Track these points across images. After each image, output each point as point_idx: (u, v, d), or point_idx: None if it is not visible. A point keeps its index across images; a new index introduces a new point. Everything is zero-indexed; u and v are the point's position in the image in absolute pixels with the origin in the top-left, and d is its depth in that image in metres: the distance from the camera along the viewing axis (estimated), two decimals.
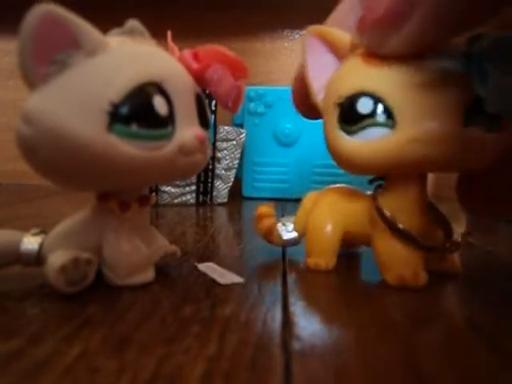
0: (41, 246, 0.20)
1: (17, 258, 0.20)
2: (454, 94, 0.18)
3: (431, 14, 0.15)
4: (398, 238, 0.21)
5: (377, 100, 0.19)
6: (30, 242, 0.20)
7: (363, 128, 0.19)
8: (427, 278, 0.21)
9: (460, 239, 0.22)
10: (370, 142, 0.19)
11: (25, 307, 0.18)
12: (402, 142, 0.19)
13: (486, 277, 0.24)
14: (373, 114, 0.19)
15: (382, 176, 0.22)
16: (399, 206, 0.21)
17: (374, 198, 0.22)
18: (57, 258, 0.18)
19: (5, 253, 0.20)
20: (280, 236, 0.26)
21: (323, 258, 0.24)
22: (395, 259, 0.21)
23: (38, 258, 0.20)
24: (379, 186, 0.23)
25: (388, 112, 0.19)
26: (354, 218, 0.24)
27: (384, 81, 0.19)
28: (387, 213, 0.21)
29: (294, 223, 0.27)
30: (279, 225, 0.27)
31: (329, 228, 0.24)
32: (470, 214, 0.23)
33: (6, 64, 0.69)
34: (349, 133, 0.20)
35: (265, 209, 0.27)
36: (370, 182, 0.23)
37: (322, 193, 0.26)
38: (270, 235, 0.27)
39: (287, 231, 0.26)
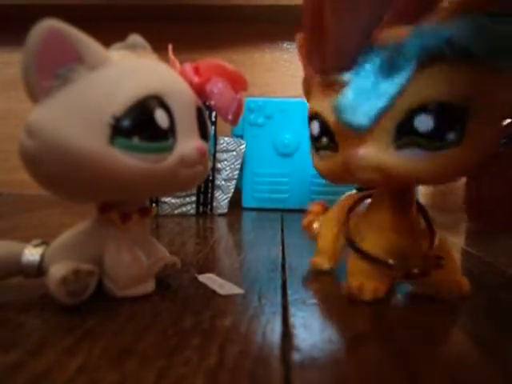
0: (42, 257, 0.20)
1: (18, 269, 0.20)
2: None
3: None
4: (353, 251, 0.22)
5: None
6: (31, 253, 0.20)
7: None
8: (382, 292, 0.21)
9: (429, 260, 0.20)
10: None
11: (25, 319, 0.18)
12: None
13: (486, 288, 0.24)
14: None
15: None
16: (368, 221, 0.22)
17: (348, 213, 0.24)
18: (58, 270, 0.18)
19: (6, 264, 0.20)
20: (314, 231, 0.29)
21: (324, 258, 0.26)
22: (349, 270, 0.22)
23: (39, 269, 0.20)
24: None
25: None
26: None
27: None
28: (346, 229, 0.23)
29: None
30: (316, 222, 0.29)
31: (332, 232, 0.26)
32: (476, 223, 0.23)
33: (8, 75, 0.70)
34: None
35: (314, 206, 0.31)
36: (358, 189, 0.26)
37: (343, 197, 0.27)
38: (308, 229, 0.30)
39: None
